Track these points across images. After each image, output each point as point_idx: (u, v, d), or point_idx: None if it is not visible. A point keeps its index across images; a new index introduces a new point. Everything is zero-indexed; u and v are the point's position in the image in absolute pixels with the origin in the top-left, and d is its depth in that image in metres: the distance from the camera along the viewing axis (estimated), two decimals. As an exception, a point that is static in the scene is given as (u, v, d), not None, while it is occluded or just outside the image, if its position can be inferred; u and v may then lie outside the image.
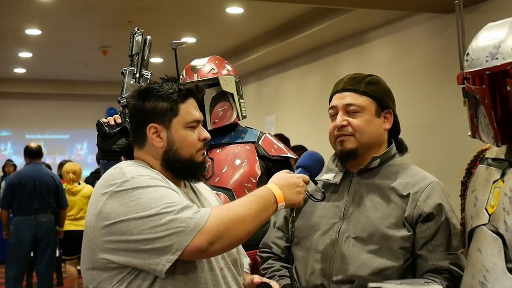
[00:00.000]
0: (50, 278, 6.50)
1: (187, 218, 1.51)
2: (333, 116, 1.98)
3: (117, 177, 1.61)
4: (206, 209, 1.57)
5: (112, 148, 2.30)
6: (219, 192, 2.46)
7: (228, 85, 2.66)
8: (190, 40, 7.77)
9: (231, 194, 2.49)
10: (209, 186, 2.37)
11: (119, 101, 2.40)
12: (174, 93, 1.71)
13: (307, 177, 1.79)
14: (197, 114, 1.75)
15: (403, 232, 1.86)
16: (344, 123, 1.93)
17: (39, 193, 6.20)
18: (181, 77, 2.68)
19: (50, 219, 6.31)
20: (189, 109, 1.73)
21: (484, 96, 1.59)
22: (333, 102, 1.99)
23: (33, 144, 6.57)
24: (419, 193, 1.88)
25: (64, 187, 6.68)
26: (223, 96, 2.65)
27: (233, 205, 1.64)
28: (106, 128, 2.29)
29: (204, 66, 2.68)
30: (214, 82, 2.65)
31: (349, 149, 1.94)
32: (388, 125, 1.99)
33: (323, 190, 1.91)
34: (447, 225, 1.87)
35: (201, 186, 1.89)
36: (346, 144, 1.94)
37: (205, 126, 2.54)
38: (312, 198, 1.88)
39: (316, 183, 1.89)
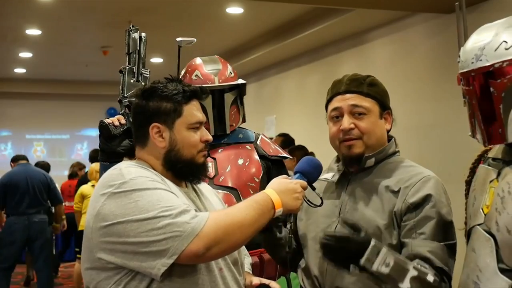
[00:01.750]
0: (49, 277, 6.52)
1: (184, 222, 1.51)
2: (336, 118, 1.95)
3: (115, 178, 1.60)
4: (204, 214, 1.57)
5: (117, 149, 2.28)
6: (226, 192, 2.47)
7: (244, 89, 2.70)
8: (190, 39, 7.73)
9: (236, 193, 2.50)
10: (213, 186, 2.37)
11: (120, 101, 2.37)
12: (179, 94, 1.71)
13: (305, 183, 1.78)
14: (200, 116, 1.75)
15: (392, 230, 1.84)
16: (352, 126, 1.90)
17: (31, 191, 6.25)
18: (193, 78, 2.63)
19: (43, 219, 6.35)
20: (192, 111, 1.73)
21: (472, 97, 1.63)
22: (336, 104, 1.96)
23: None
24: (410, 187, 1.86)
25: (92, 184, 6.70)
26: (234, 99, 2.67)
27: (231, 210, 1.63)
28: (112, 130, 2.26)
29: (221, 69, 2.65)
30: (234, 86, 2.66)
31: (357, 154, 1.91)
32: (388, 126, 1.99)
33: (321, 196, 1.90)
34: (433, 214, 1.81)
35: (203, 186, 1.88)
36: (354, 149, 1.91)
37: (218, 129, 2.57)
38: (310, 204, 1.88)
39: (314, 189, 1.88)
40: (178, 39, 2.66)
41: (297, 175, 1.82)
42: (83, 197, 6.68)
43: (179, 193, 1.67)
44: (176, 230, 1.50)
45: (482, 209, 1.63)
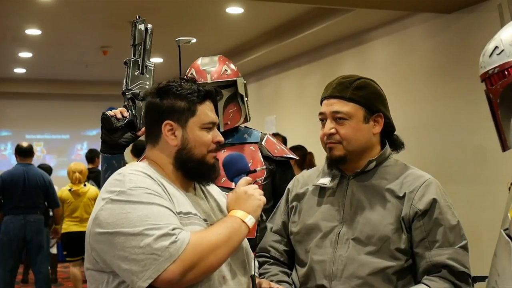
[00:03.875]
0: (47, 276, 6.52)
1: (164, 247, 1.51)
2: (322, 122, 2.00)
3: (116, 185, 1.61)
4: (184, 238, 1.54)
5: (119, 141, 2.28)
6: (228, 193, 2.46)
7: (241, 87, 2.66)
8: (189, 39, 7.71)
9: None
10: None
11: (124, 93, 2.36)
12: (193, 94, 1.71)
13: (246, 178, 1.77)
14: (213, 116, 1.76)
15: (401, 234, 1.87)
16: (332, 131, 1.95)
17: (28, 192, 6.25)
18: (189, 76, 2.62)
19: (39, 219, 6.36)
20: (206, 111, 1.73)
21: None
22: (322, 108, 2.01)
23: (24, 143, 6.61)
24: (414, 192, 1.89)
25: (69, 188, 6.67)
26: (233, 98, 2.64)
27: (206, 233, 1.61)
28: (114, 122, 2.25)
29: (216, 66, 2.63)
30: (228, 84, 2.63)
31: (337, 156, 1.96)
32: (378, 129, 1.99)
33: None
34: (442, 220, 1.87)
35: (212, 188, 1.89)
36: (334, 152, 1.96)
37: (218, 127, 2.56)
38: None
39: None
40: (177, 38, 2.65)
41: (235, 179, 1.81)
42: (63, 202, 6.67)
43: (182, 200, 1.67)
44: (154, 254, 1.50)
45: (509, 214, 1.63)
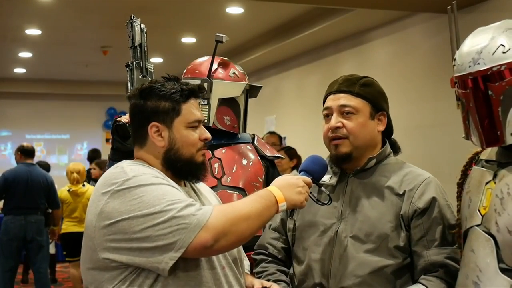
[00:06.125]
0: (46, 276, 6.53)
1: (190, 214, 1.51)
2: (327, 118, 1.98)
3: (118, 176, 1.60)
4: (208, 207, 1.57)
5: (132, 148, 2.25)
6: (235, 192, 2.48)
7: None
8: (190, 40, 7.79)
9: (243, 193, 2.50)
10: (220, 186, 2.35)
11: (129, 97, 2.34)
12: (177, 93, 1.70)
13: (308, 179, 1.78)
14: (199, 114, 1.75)
15: (400, 232, 1.87)
16: (339, 124, 1.93)
17: (30, 193, 6.25)
18: (231, 75, 2.60)
19: (39, 219, 6.35)
20: (191, 109, 1.72)
21: (469, 100, 1.66)
22: (328, 103, 1.99)
23: (26, 144, 6.63)
24: (414, 190, 1.89)
25: (68, 188, 6.67)
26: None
27: (237, 203, 1.65)
28: (129, 129, 2.16)
29: (242, 70, 2.70)
30: (249, 88, 2.71)
31: (344, 153, 1.94)
32: (382, 127, 1.99)
33: (328, 193, 1.90)
34: (441, 219, 1.86)
35: (201, 186, 1.89)
36: (340, 149, 1.94)
37: (243, 128, 2.64)
38: (318, 202, 1.88)
39: (320, 186, 1.89)
40: (218, 34, 2.59)
41: (302, 173, 1.83)
42: (62, 202, 6.66)
43: (181, 190, 1.67)
44: (182, 223, 1.50)
45: (479, 211, 1.64)
